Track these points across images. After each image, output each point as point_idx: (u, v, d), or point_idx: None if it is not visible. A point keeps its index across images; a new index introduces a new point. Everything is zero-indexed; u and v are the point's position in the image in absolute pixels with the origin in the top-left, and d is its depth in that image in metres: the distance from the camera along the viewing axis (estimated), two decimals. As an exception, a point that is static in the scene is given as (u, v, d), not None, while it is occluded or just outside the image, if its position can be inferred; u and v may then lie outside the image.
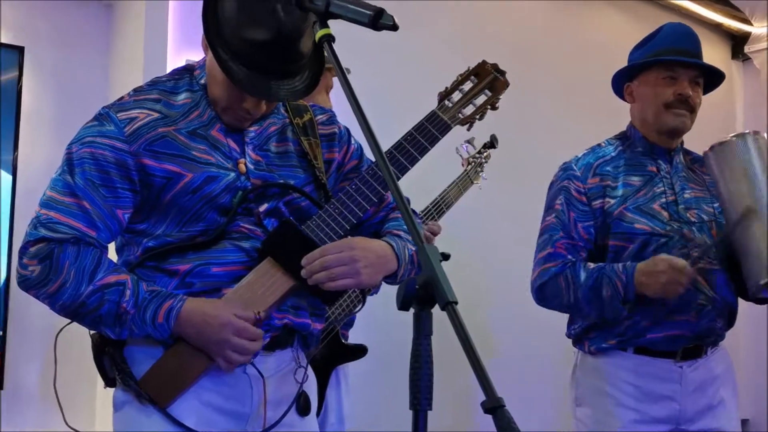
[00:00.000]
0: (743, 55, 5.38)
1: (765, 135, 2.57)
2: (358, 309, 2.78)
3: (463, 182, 3.23)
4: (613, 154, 2.73)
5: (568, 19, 4.65)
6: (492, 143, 3.34)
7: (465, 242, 3.94)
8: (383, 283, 2.03)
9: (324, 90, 2.85)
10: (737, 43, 5.38)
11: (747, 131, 2.55)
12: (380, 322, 3.15)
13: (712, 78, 2.76)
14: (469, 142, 3.24)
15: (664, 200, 2.66)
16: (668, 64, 2.66)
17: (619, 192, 2.66)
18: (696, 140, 2.75)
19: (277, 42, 1.76)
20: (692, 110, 2.67)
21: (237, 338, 1.79)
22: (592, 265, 2.60)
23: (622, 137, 2.78)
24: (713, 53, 5.27)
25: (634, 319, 2.60)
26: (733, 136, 2.54)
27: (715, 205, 2.68)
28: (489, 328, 4.19)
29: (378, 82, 3.83)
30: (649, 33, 2.74)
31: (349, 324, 2.92)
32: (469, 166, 3.27)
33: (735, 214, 2.51)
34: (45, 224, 1.79)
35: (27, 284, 1.80)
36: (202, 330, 1.79)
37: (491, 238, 4.13)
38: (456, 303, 1.25)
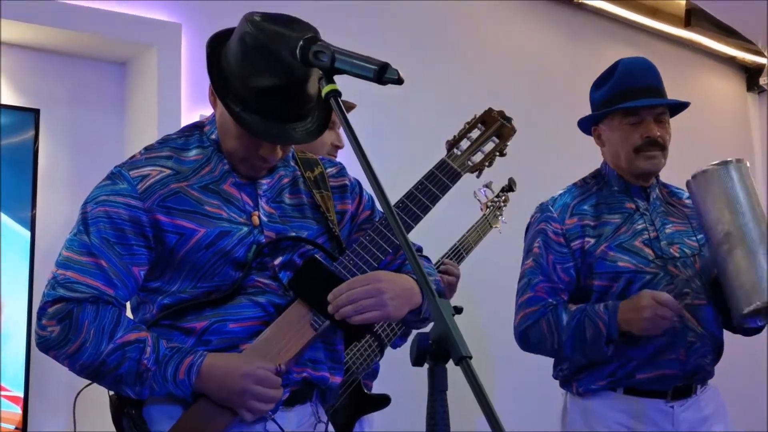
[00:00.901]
0: (758, 87, 5.38)
1: (747, 162, 2.56)
2: (378, 359, 2.77)
3: (482, 226, 3.23)
4: (589, 192, 2.71)
5: (581, 59, 4.66)
6: (510, 186, 3.35)
7: (483, 288, 3.92)
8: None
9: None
10: (751, 75, 5.39)
11: (730, 159, 2.54)
12: (406, 371, 3.14)
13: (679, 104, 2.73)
14: (488, 186, 3.25)
15: (646, 237, 2.64)
16: (628, 110, 2.63)
17: (599, 231, 2.63)
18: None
19: (287, 87, 1.78)
20: (663, 148, 2.64)
21: (259, 387, 1.79)
22: (573, 306, 2.57)
23: (597, 175, 2.75)
24: (727, 86, 5.29)
25: (624, 359, 2.57)
26: (715, 164, 2.53)
27: (698, 236, 2.67)
28: (494, 369, 4.17)
29: (386, 130, 3.85)
30: (606, 69, 2.72)
31: (373, 375, 2.90)
32: (488, 210, 3.27)
33: (718, 245, 2.50)
34: (63, 284, 1.80)
35: (46, 345, 1.81)
36: (223, 383, 1.78)
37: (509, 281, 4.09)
38: (470, 358, 1.24)
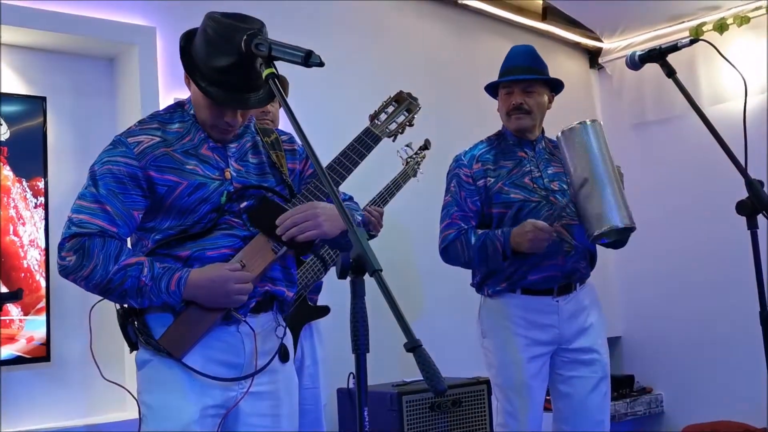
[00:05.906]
0: (598, 65, 5.40)
1: (601, 122, 2.60)
2: (322, 276, 2.76)
3: (403, 177, 3.23)
4: (491, 146, 2.78)
5: (466, 49, 4.64)
6: (425, 146, 3.35)
7: (403, 226, 3.92)
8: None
9: None
10: (593, 56, 5.39)
11: (587, 120, 2.56)
12: (344, 287, 3.14)
13: (555, 81, 2.78)
14: (408, 145, 3.25)
15: (531, 176, 2.70)
16: (503, 83, 2.72)
17: (498, 172, 2.69)
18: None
19: (240, 65, 1.76)
20: (528, 111, 2.69)
21: (238, 284, 1.81)
22: (480, 231, 2.65)
23: (499, 134, 2.83)
24: (574, 65, 5.30)
25: (518, 264, 2.65)
26: (577, 123, 2.55)
27: None
28: (420, 293, 4.16)
29: (319, 108, 3.78)
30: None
31: (317, 290, 2.89)
32: (407, 165, 3.27)
33: (577, 183, 2.52)
34: (76, 224, 1.80)
35: (66, 271, 1.80)
36: (210, 289, 1.80)
37: (421, 220, 4.02)
38: (381, 270, 1.28)
